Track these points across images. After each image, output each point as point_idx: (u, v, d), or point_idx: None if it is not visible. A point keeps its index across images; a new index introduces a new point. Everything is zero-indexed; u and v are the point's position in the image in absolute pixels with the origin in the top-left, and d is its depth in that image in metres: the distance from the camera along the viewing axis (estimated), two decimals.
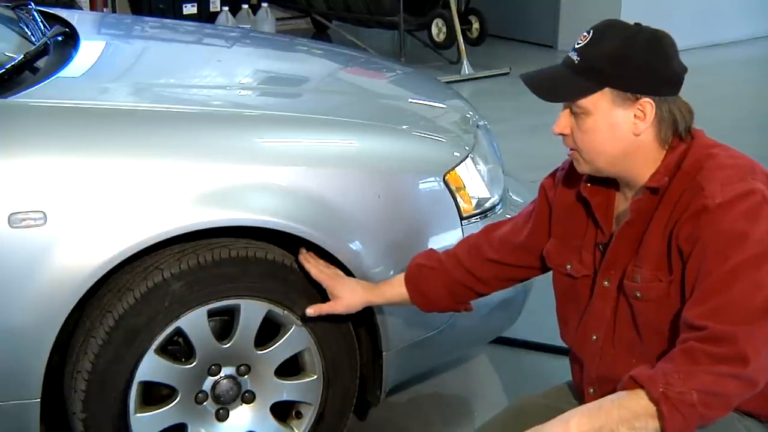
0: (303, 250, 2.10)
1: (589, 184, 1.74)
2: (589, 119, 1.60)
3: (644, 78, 1.59)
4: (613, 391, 1.53)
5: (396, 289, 2.03)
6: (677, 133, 1.63)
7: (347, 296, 2.05)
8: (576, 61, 1.60)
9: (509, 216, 2.47)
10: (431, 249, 2.10)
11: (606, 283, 1.70)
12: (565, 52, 1.69)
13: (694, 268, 1.53)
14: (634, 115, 1.59)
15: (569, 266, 1.79)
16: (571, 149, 1.67)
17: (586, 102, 1.59)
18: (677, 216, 1.57)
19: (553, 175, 1.89)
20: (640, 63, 1.58)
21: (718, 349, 1.45)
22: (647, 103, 1.58)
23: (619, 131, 1.60)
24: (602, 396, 1.56)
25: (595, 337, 1.73)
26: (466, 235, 2.11)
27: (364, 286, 2.07)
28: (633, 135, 1.61)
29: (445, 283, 1.99)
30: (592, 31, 1.61)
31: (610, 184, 1.73)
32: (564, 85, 1.61)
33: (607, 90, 1.58)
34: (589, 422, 1.49)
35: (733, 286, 1.48)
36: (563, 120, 1.64)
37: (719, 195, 1.52)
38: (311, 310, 2.07)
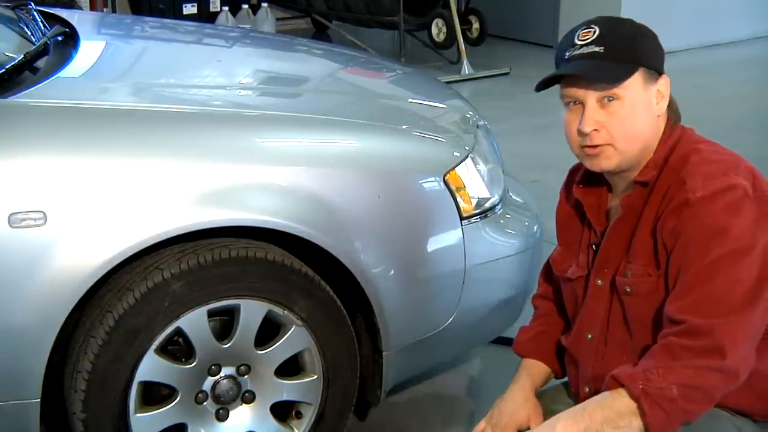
0: None
1: (581, 186, 1.75)
2: (625, 104, 1.59)
3: (661, 54, 1.64)
4: None
5: (542, 373, 1.88)
6: (675, 117, 1.66)
7: (533, 416, 1.80)
8: (602, 50, 1.58)
9: (509, 216, 2.48)
10: (523, 326, 1.98)
11: (599, 281, 1.71)
12: None
13: (677, 261, 1.55)
14: (657, 92, 1.62)
15: (570, 270, 1.79)
16: (601, 145, 1.61)
17: (626, 85, 1.58)
18: (662, 210, 1.58)
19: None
20: (654, 40, 1.64)
21: (696, 342, 1.47)
22: (664, 79, 1.63)
23: (650, 112, 1.62)
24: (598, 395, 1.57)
25: (590, 336, 1.74)
26: (542, 266, 2.01)
27: (532, 402, 1.82)
28: (656, 117, 1.63)
29: (562, 330, 1.90)
30: (594, 25, 1.62)
31: (601, 183, 1.73)
32: (609, 71, 1.58)
33: (640, 69, 1.59)
34: (575, 425, 1.50)
35: (713, 280, 1.49)
36: (593, 114, 1.60)
37: (701, 189, 1.53)
38: None
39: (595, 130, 1.60)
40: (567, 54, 1.62)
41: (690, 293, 1.50)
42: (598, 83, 1.59)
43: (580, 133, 1.61)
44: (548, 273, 1.95)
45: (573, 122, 1.63)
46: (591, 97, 1.60)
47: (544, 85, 1.67)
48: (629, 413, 1.47)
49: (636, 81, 1.59)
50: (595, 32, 1.61)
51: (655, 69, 1.62)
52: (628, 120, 1.59)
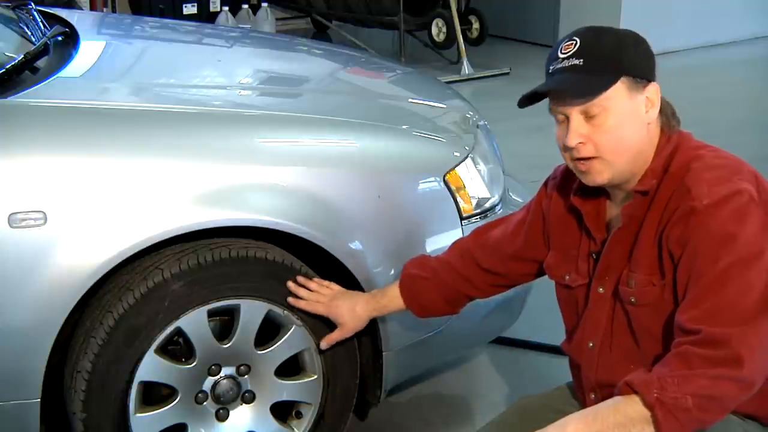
0: (292, 286, 2.09)
1: (579, 194, 1.73)
2: (611, 115, 1.57)
3: (647, 60, 1.62)
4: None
5: (395, 301, 2.06)
6: (670, 123, 1.64)
7: (350, 322, 2.08)
8: (581, 63, 1.57)
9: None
10: (423, 255, 2.11)
11: (600, 289, 1.70)
12: None
13: (685, 270, 1.53)
14: (646, 100, 1.59)
15: (567, 276, 1.78)
16: (589, 158, 1.60)
17: (608, 96, 1.56)
18: (667, 219, 1.57)
19: (545, 184, 1.88)
20: (638, 47, 1.61)
21: (713, 351, 1.45)
22: (653, 86, 1.60)
23: (638, 121, 1.60)
24: (604, 401, 1.56)
25: (591, 344, 1.73)
26: (457, 239, 2.10)
27: (363, 305, 2.08)
28: (647, 125, 1.61)
29: (440, 291, 2.00)
30: (576, 37, 1.60)
31: (599, 192, 1.72)
32: (586, 84, 1.57)
33: (623, 79, 1.57)
34: (586, 428, 1.49)
35: (725, 288, 1.48)
36: (578, 127, 1.59)
37: (706, 196, 1.51)
38: (324, 344, 2.12)
39: (581, 143, 1.59)
40: (551, 68, 1.62)
41: (702, 302, 1.49)
42: (577, 97, 1.58)
43: (567, 147, 1.61)
44: (473, 253, 1.98)
45: (561, 136, 1.62)
46: (574, 110, 1.59)
47: (526, 101, 1.65)
48: (642, 420, 1.46)
49: (619, 91, 1.57)
50: (576, 44, 1.59)
51: (641, 77, 1.59)
52: (614, 131, 1.58)
